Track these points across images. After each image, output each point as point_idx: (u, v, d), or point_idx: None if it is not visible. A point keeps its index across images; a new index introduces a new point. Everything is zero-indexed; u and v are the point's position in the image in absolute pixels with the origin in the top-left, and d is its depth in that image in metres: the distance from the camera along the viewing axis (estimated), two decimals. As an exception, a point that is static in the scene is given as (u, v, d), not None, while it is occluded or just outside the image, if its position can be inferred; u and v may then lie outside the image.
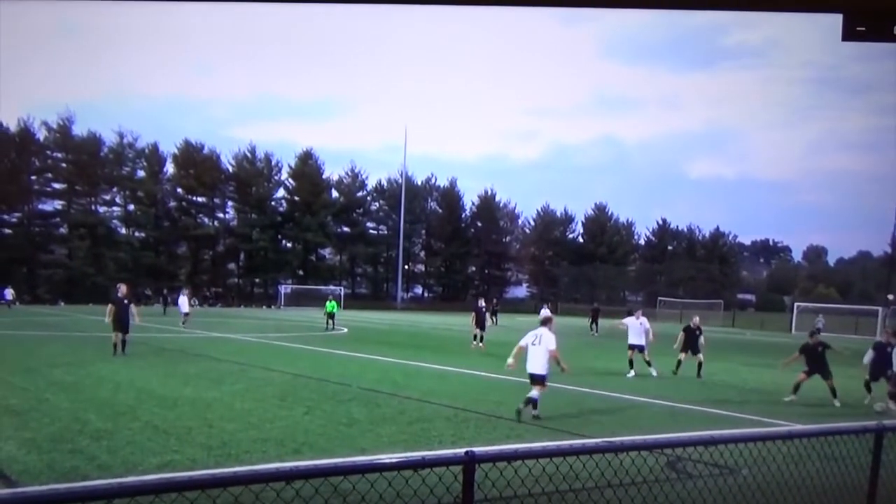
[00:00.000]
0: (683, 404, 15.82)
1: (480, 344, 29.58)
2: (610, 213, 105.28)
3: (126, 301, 22.83)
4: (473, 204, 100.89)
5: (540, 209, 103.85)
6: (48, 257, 77.67)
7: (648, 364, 21.77)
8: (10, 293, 60.16)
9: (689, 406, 15.66)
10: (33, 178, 77.66)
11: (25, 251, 74.70)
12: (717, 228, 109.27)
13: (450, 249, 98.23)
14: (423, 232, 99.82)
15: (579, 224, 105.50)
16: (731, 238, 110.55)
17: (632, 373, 21.47)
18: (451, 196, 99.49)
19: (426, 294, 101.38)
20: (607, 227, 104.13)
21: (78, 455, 9.55)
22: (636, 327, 22.42)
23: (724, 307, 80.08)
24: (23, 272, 74.12)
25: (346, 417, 12.76)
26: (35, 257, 75.99)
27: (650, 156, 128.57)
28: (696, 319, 23.20)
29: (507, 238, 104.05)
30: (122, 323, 22.39)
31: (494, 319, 45.33)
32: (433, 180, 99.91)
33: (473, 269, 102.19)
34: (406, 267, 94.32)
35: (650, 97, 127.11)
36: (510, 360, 13.72)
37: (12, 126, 74.71)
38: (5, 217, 77.14)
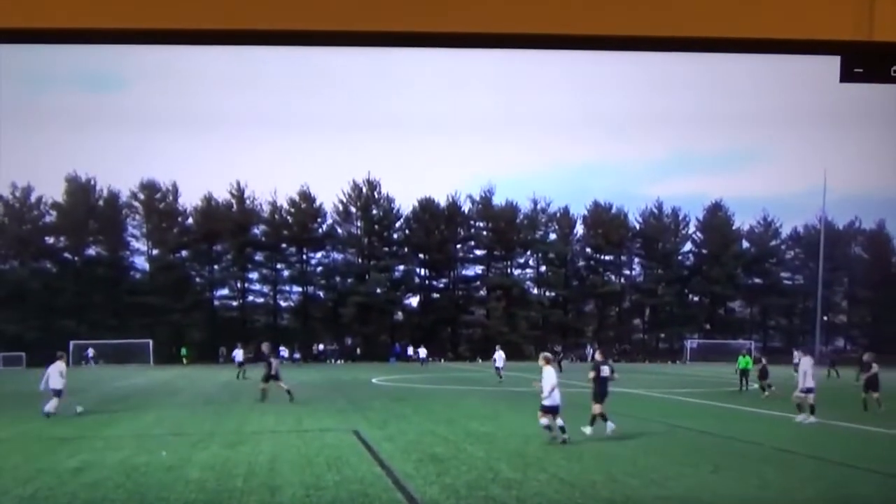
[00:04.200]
0: None
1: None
2: None
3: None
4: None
5: None
6: (468, 318, 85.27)
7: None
8: (423, 352, 67.51)
9: None
10: (458, 246, 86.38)
11: (450, 313, 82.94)
12: None
13: (878, 298, 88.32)
14: (846, 280, 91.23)
15: None
16: None
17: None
18: (878, 239, 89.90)
19: (848, 346, 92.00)
20: None
21: (490, 502, 10.14)
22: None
23: None
24: (447, 332, 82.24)
25: (757, 479, 11.91)
26: (457, 318, 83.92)
27: None
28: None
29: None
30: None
31: None
32: (857, 223, 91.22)
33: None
34: (825, 318, 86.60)
35: None
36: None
37: (442, 202, 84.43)
38: (434, 283, 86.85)
